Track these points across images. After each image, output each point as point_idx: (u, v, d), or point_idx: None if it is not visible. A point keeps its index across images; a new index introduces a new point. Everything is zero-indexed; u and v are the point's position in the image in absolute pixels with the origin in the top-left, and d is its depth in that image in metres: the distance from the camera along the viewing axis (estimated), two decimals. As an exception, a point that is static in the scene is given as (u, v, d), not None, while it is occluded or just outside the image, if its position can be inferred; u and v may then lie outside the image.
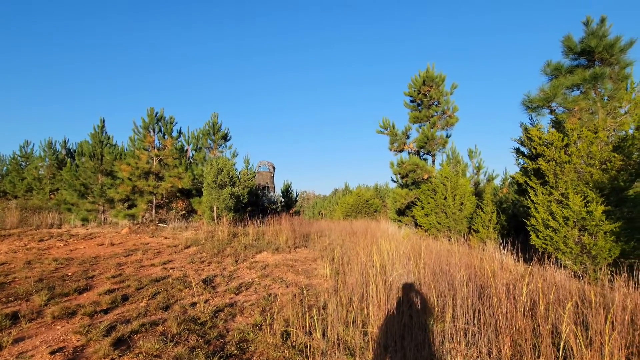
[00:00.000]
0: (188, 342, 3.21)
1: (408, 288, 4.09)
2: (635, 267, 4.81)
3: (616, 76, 5.37)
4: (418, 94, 12.27)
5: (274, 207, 20.14)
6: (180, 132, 13.51)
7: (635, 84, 5.65)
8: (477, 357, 3.04)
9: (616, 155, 5.17)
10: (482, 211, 9.55)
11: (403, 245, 6.83)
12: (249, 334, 3.41)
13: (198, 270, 5.98)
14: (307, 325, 3.40)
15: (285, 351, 3.02)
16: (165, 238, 9.49)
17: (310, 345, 3.07)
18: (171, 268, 6.11)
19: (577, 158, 5.44)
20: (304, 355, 2.94)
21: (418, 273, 4.69)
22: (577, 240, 5.72)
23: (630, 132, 5.30)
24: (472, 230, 10.08)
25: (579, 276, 5.61)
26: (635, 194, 5.26)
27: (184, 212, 13.79)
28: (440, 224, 10.54)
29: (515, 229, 10.35)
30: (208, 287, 4.96)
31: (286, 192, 22.42)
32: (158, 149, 12.69)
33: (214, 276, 5.62)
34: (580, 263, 5.75)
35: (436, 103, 11.76)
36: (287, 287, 5.15)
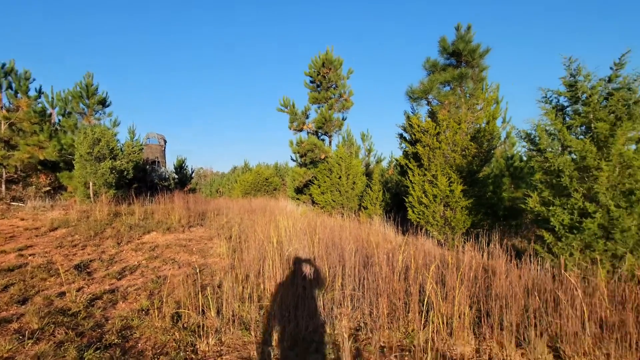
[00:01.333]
0: (54, 336, 2.79)
1: (303, 261, 4.31)
2: (480, 235, 5.99)
3: (476, 77, 6.48)
4: (317, 75, 12.59)
5: (166, 184, 18.51)
6: (40, 92, 11.14)
7: (489, 85, 6.89)
8: (361, 317, 3.41)
9: (472, 144, 6.29)
10: (370, 190, 10.53)
11: (300, 221, 7.09)
12: (133, 320, 3.14)
13: (68, 256, 5.17)
14: (201, 305, 3.30)
15: (176, 333, 2.89)
16: (22, 220, 7.88)
17: (203, 324, 3.00)
18: (30, 254, 5.14)
19: (445, 145, 6.43)
20: (196, 335, 2.86)
21: (313, 247, 4.94)
22: (442, 214, 6.81)
23: (483, 125, 6.50)
24: (362, 207, 11.04)
25: (442, 244, 6.73)
26: (484, 176, 6.51)
27: (48, 188, 11.59)
28: (334, 201, 11.25)
29: (397, 205, 11.73)
30: (82, 274, 4.35)
31: (180, 168, 20.77)
32: (8, 110, 10.24)
33: (90, 261, 4.95)
34: (443, 233, 6.88)
35: (334, 86, 12.28)
36: (180, 267, 4.88)
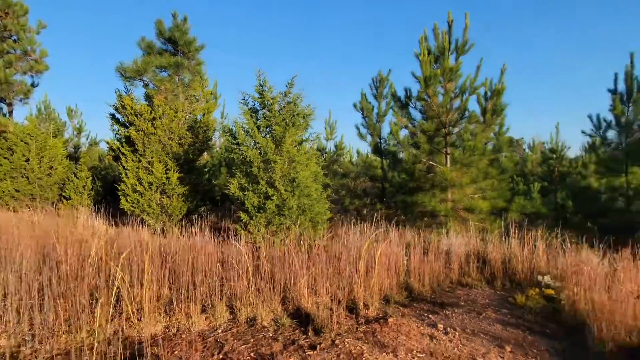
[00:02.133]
0: None
1: None
2: (192, 221, 6.38)
3: (193, 69, 6.79)
4: (-21, 16, 9.04)
5: None
6: None
7: (208, 81, 7.41)
8: (29, 329, 2.85)
9: (188, 133, 6.57)
10: (76, 177, 8.86)
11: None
12: None
13: None
14: None
15: None
16: None
17: None
18: None
19: (161, 131, 6.35)
20: None
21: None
22: (158, 202, 6.71)
23: (199, 117, 6.92)
24: (63, 197, 9.11)
25: (159, 232, 6.64)
26: (199, 165, 6.95)
27: None
28: (19, 191, 8.68)
29: (112, 194, 10.46)
30: None
31: None
32: None
33: None
34: (160, 221, 6.80)
35: (14, 38, 9.21)
36: None
